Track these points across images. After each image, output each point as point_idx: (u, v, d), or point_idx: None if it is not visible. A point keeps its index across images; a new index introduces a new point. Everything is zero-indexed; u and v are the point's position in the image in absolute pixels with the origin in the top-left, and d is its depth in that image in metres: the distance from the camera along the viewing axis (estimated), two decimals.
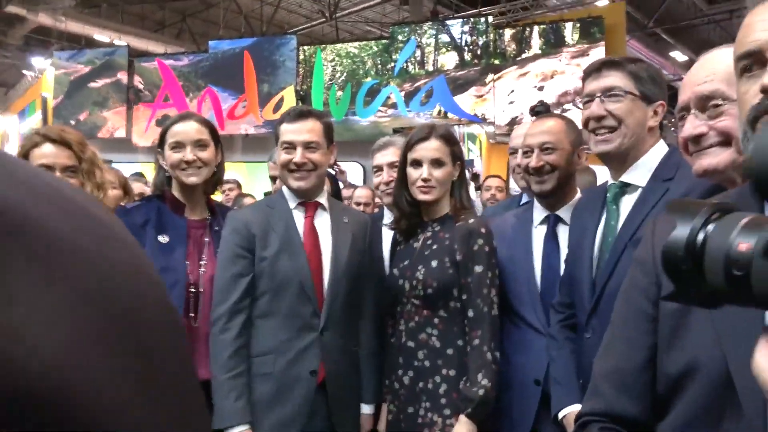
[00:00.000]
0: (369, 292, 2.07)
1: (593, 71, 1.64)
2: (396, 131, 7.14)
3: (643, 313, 1.05)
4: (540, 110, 2.44)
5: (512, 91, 7.36)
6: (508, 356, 1.88)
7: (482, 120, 7.34)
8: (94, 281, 0.25)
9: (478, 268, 1.83)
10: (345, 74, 8.16)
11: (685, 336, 0.88)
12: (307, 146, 1.94)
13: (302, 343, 1.86)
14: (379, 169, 2.28)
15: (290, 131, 1.95)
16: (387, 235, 2.26)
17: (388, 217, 2.28)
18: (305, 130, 1.95)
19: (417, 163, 1.92)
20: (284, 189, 2.03)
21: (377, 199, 4.28)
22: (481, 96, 7.48)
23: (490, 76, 7.41)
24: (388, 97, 7.88)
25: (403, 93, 7.76)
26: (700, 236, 0.52)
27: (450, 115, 7.55)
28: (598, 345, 1.28)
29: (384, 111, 7.85)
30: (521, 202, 2.48)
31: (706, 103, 1.22)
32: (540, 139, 1.90)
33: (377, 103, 7.89)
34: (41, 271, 0.23)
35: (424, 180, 1.90)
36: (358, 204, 3.84)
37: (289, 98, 8.25)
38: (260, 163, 7.80)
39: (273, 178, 2.72)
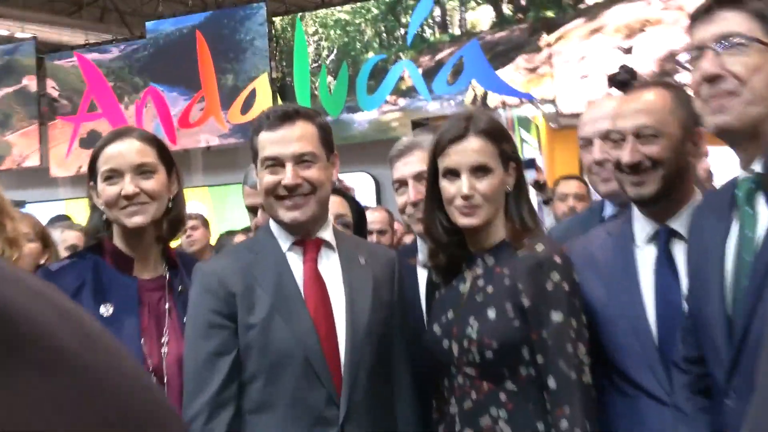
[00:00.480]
0: (403, 362, 2.07)
1: (702, 13, 1.65)
2: (417, 125, 7.17)
3: None
4: (624, 79, 2.43)
5: (582, 57, 7.27)
6: None
7: (537, 100, 7.33)
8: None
9: (557, 316, 1.81)
10: (337, 51, 8.24)
11: None
12: (300, 160, 1.96)
13: None
14: (403, 183, 2.30)
15: (273, 142, 1.96)
16: (421, 276, 2.26)
17: (423, 250, 2.28)
18: (294, 139, 1.96)
19: (453, 173, 1.93)
20: (272, 224, 2.04)
21: (399, 225, 4.30)
22: (534, 68, 7.43)
23: (545, 37, 7.37)
24: (402, 78, 7.92)
25: (421, 69, 7.81)
26: None
27: (491, 94, 7.56)
28: (743, 416, 1.25)
29: (396, 99, 7.90)
30: (604, 214, 2.46)
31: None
32: (635, 121, 1.90)
33: (387, 86, 7.94)
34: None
35: (465, 197, 1.90)
36: (371, 233, 3.86)
37: (263, 92, 8.34)
38: (230, 186, 7.87)
39: (252, 209, 2.73)
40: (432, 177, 1.98)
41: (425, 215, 2.02)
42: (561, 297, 1.82)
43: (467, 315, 1.90)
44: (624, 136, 1.91)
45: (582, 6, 7.29)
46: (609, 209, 2.44)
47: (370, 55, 8.01)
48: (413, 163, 2.26)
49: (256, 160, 2.02)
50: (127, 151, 2.05)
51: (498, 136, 1.95)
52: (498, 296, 1.88)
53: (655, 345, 1.86)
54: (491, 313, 1.86)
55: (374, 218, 3.96)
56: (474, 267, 1.97)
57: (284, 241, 2.00)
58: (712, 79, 1.60)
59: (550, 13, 7.45)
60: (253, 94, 8.32)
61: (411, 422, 2.04)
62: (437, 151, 1.95)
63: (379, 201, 7.21)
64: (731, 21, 1.60)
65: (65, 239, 3.50)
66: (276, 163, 1.95)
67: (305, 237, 2.00)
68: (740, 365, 1.54)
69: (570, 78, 7.23)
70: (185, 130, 8.63)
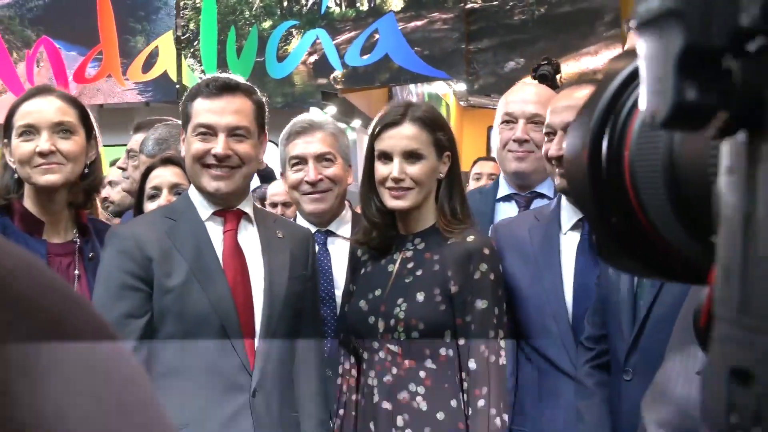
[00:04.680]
0: (313, 336, 2.15)
1: None
2: (326, 96, 7.17)
3: None
4: (546, 73, 2.57)
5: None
6: (527, 413, 2.00)
7: (450, 77, 7.41)
8: None
9: (482, 304, 1.93)
10: (248, 15, 8.11)
11: None
12: (233, 133, 1.99)
13: (227, 411, 1.92)
14: (300, 160, 2.35)
15: (209, 110, 1.99)
16: (340, 250, 2.34)
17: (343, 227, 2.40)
18: (231, 111, 1.99)
19: (386, 157, 2.02)
20: (191, 192, 2.07)
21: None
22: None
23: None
24: (315, 43, 7.85)
25: (334, 40, 7.79)
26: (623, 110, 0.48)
27: (404, 69, 7.62)
28: (642, 390, 1.40)
29: (307, 68, 7.87)
30: (498, 195, 2.58)
31: None
32: (566, 117, 2.00)
33: (298, 53, 7.91)
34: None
35: (395, 179, 1.99)
36: (274, 205, 3.86)
37: (166, 51, 8.16)
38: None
39: (144, 174, 2.69)
40: (369, 159, 2.06)
41: (362, 195, 2.10)
42: (487, 286, 1.94)
43: (396, 295, 2.00)
44: (554, 130, 2.04)
45: None
46: (504, 189, 2.56)
47: (280, 21, 7.93)
48: (315, 143, 2.34)
49: (186, 126, 2.03)
50: (46, 107, 2.04)
51: (434, 125, 2.04)
52: (427, 280, 1.98)
53: (569, 324, 2.01)
54: (419, 296, 1.96)
55: (279, 190, 3.85)
56: (404, 249, 2.06)
57: (204, 211, 2.03)
58: None
59: None
60: (155, 53, 8.13)
61: (316, 394, 2.11)
62: (374, 135, 2.04)
63: (283, 173, 7.15)
64: None
65: None
66: (208, 131, 1.98)
67: (226, 208, 2.04)
68: (639, 345, 1.69)
69: (486, 57, 7.25)
70: (80, 85, 8.35)
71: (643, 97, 0.36)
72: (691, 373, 1.19)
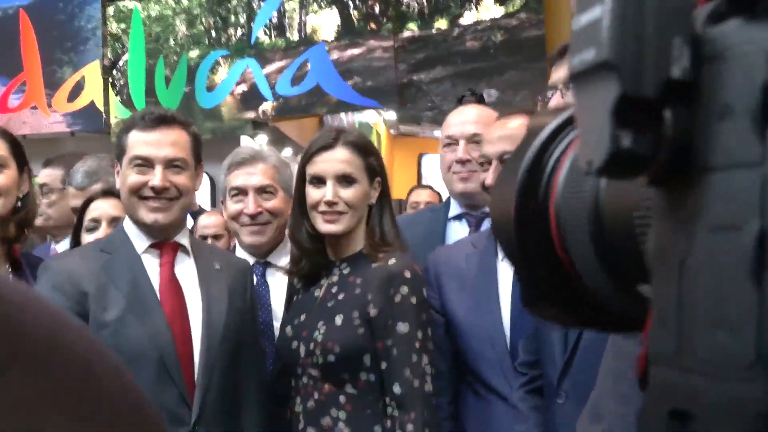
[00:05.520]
0: (254, 365, 2.16)
1: (556, 56, 1.89)
2: (257, 125, 7.17)
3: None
4: (470, 102, 2.65)
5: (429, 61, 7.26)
6: None
7: (380, 105, 7.49)
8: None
9: (403, 327, 1.94)
10: (173, 44, 8.07)
11: None
12: (171, 165, 2.01)
13: None
14: (241, 191, 2.35)
15: (146, 143, 2.00)
16: (279, 281, 2.36)
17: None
18: (168, 143, 2.01)
19: (319, 180, 2.03)
20: (126, 225, 2.07)
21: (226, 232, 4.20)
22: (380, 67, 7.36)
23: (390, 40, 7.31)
24: (245, 73, 7.85)
25: (264, 69, 7.81)
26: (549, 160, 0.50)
27: (334, 99, 7.68)
28: (576, 412, 1.46)
29: (236, 97, 7.86)
30: (450, 215, 2.62)
31: None
32: (500, 147, 2.03)
33: (228, 83, 7.90)
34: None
35: (328, 203, 2.00)
36: (204, 237, 3.83)
37: (93, 80, 8.05)
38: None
39: (75, 210, 2.68)
40: (299, 184, 2.08)
41: (291, 221, 2.11)
42: (408, 310, 1.94)
43: (317, 319, 2.01)
44: (490, 160, 2.09)
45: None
46: (455, 209, 2.60)
47: (209, 51, 7.91)
48: (257, 175, 2.34)
49: (121, 158, 2.03)
50: None
51: (365, 150, 2.08)
52: (347, 304, 1.99)
53: (507, 350, 2.05)
54: (338, 319, 1.97)
55: (210, 222, 3.83)
56: (331, 274, 2.07)
57: (140, 243, 2.03)
58: None
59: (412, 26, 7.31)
60: (81, 82, 8.02)
61: (257, 424, 2.11)
62: (306, 159, 2.06)
63: (213, 203, 7.11)
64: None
65: None
66: (145, 163, 1.99)
67: (162, 240, 2.05)
68: (571, 368, 1.75)
69: (415, 84, 7.26)
70: (3, 116, 8.18)
71: (579, 145, 0.37)
72: (623, 390, 1.25)
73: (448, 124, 2.61)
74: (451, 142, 2.53)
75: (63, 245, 2.82)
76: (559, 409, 1.78)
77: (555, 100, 1.83)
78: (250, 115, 7.73)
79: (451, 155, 2.51)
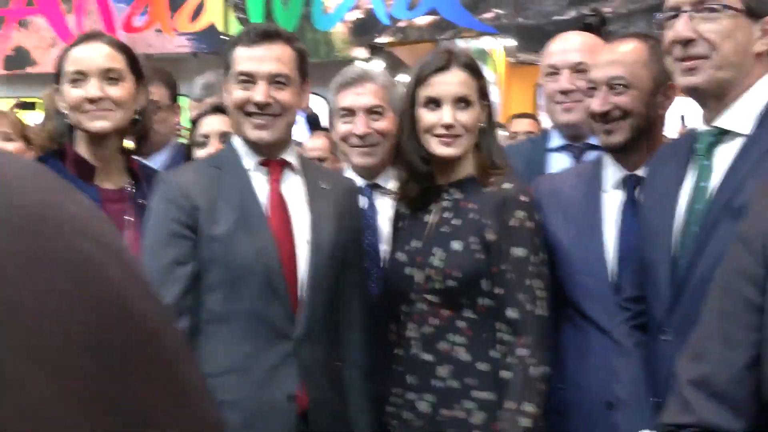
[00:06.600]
0: (358, 287, 2.17)
1: None
2: (374, 49, 7.13)
3: (748, 303, 1.18)
4: (594, 22, 2.54)
5: None
6: (567, 371, 2.03)
7: (498, 31, 7.30)
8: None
9: (519, 252, 1.92)
10: None
11: None
12: (274, 81, 2.00)
13: (273, 358, 1.95)
14: (351, 112, 2.34)
15: (250, 58, 2.00)
16: (387, 204, 2.35)
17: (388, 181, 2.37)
18: (271, 58, 2.00)
19: (434, 103, 1.99)
20: (236, 141, 2.09)
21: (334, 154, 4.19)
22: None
23: None
24: None
25: None
26: None
27: (450, 24, 7.55)
28: (680, 350, 1.41)
29: (353, 20, 7.83)
30: (549, 145, 2.56)
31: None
32: (609, 71, 1.99)
33: (345, 5, 7.86)
34: None
35: (446, 126, 1.97)
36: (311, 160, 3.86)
37: (212, 2, 8.17)
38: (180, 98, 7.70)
39: (194, 122, 2.74)
40: (410, 106, 2.04)
41: (402, 145, 2.07)
42: (524, 234, 1.93)
43: (432, 245, 2.00)
44: (597, 85, 2.02)
45: None
46: (555, 140, 2.54)
47: None
48: (366, 95, 2.32)
49: (228, 74, 2.05)
50: (95, 53, 2.06)
51: (477, 71, 2.04)
52: (464, 229, 1.97)
53: (608, 283, 2.01)
54: (456, 245, 1.96)
55: (315, 145, 3.86)
56: (441, 199, 2.05)
57: (249, 160, 2.05)
58: (684, 42, 1.69)
59: None
60: (201, 4, 8.15)
61: (360, 344, 2.14)
62: (419, 80, 2.01)
63: (332, 125, 7.15)
64: None
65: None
66: (249, 79, 1.99)
67: (269, 157, 2.06)
68: (678, 305, 1.69)
69: (532, 12, 7.10)
70: (128, 35, 8.42)
71: None
72: (730, 333, 1.20)
73: (549, 52, 2.51)
74: (554, 71, 2.45)
75: (156, 160, 2.83)
76: (664, 346, 1.73)
77: (682, 23, 1.70)
78: (366, 39, 7.70)
79: (553, 85, 2.43)
